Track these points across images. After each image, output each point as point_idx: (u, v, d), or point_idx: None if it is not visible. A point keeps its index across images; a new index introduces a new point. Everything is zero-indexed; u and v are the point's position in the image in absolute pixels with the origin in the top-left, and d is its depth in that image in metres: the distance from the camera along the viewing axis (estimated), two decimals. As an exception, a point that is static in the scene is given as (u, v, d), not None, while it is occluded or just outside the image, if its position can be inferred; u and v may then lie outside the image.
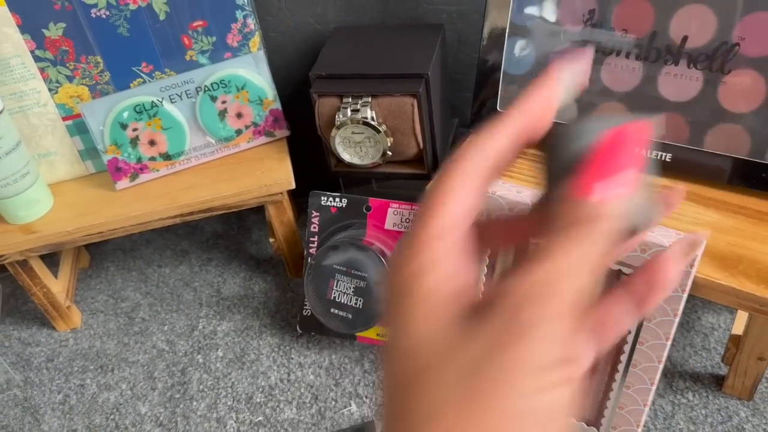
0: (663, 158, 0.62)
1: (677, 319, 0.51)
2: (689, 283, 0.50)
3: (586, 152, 0.23)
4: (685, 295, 0.50)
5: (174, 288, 0.85)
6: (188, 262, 0.89)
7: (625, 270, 0.52)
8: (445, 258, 0.24)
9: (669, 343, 0.52)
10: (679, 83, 0.60)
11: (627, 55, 0.61)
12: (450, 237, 0.24)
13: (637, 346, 0.53)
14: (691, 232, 0.53)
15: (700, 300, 0.73)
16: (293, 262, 0.81)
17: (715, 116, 0.59)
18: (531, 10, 0.64)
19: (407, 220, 0.69)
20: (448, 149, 0.80)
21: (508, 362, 0.20)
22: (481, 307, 0.22)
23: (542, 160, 0.25)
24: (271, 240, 0.84)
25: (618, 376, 0.55)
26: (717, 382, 0.64)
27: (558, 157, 0.23)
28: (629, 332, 0.53)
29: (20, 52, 0.67)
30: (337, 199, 0.72)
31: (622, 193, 0.22)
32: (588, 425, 0.58)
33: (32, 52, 0.67)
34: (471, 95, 0.83)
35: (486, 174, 0.25)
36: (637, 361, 0.54)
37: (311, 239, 0.73)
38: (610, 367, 0.56)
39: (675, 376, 0.65)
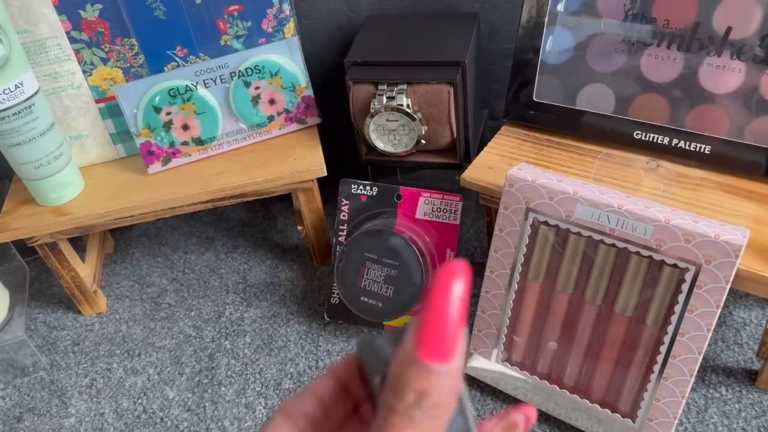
0: (702, 150, 0.62)
1: (719, 311, 0.51)
2: (732, 275, 0.50)
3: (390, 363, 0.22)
4: (728, 287, 0.50)
5: (200, 274, 0.85)
6: (214, 249, 0.89)
7: (668, 260, 0.52)
8: None
9: (710, 334, 0.52)
10: (721, 75, 0.59)
11: (668, 46, 0.61)
12: None
13: (678, 337, 0.53)
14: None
15: (731, 295, 0.72)
16: (320, 251, 0.81)
17: (756, 108, 0.59)
18: (571, -1, 0.64)
19: (438, 210, 0.69)
20: (479, 140, 0.80)
21: None
22: None
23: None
24: (299, 228, 0.84)
25: (656, 368, 0.55)
26: (750, 377, 0.64)
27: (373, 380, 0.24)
28: (669, 323, 0.53)
29: (56, 33, 0.67)
30: (368, 188, 0.71)
31: (460, 351, 0.21)
32: (623, 417, 0.58)
33: (68, 33, 0.67)
34: (501, 87, 0.83)
35: (305, 417, 0.25)
36: (676, 353, 0.53)
37: (340, 227, 0.73)
38: (648, 359, 0.55)
39: (707, 370, 0.65)
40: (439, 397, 0.20)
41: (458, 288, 0.20)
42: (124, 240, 0.93)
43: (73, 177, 0.71)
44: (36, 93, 0.65)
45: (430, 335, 0.20)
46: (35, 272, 0.89)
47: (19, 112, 0.64)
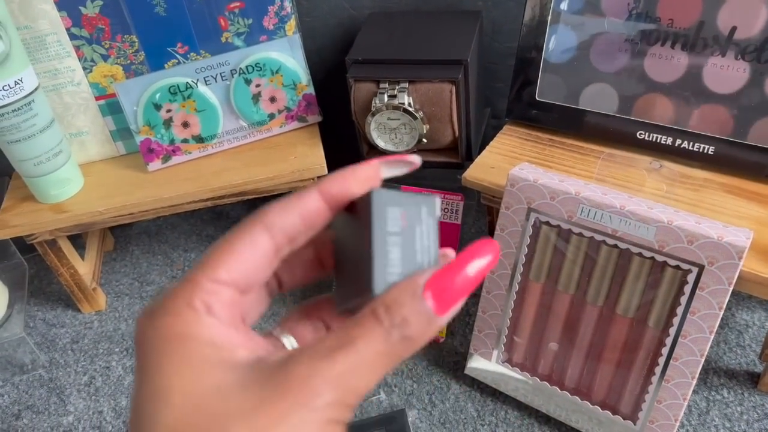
0: (705, 151, 0.61)
1: (722, 313, 0.51)
2: (735, 276, 0.49)
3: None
4: (731, 289, 0.50)
5: (200, 273, 0.85)
6: (214, 248, 0.88)
7: (671, 262, 0.51)
8: (217, 318, 0.24)
9: (712, 336, 0.51)
10: (725, 75, 0.59)
11: (672, 46, 0.60)
12: (224, 296, 0.24)
13: (680, 339, 0.53)
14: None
15: (734, 297, 0.72)
16: (320, 250, 0.81)
17: (760, 109, 0.58)
18: (574, -2, 0.63)
19: (440, 209, 0.69)
20: (481, 139, 0.80)
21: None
22: (266, 370, 0.22)
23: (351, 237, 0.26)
24: (299, 226, 0.83)
25: (658, 370, 0.54)
26: (752, 379, 0.64)
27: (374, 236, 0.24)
28: (671, 325, 0.53)
29: (56, 30, 0.67)
30: (369, 187, 0.71)
31: (452, 312, 0.23)
32: (624, 419, 0.57)
33: (68, 29, 0.67)
34: (503, 85, 0.82)
35: (285, 235, 0.25)
36: (678, 355, 0.53)
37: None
38: (649, 360, 0.55)
39: (709, 372, 0.65)
40: (416, 332, 0.22)
41: (480, 264, 0.24)
42: (124, 238, 0.93)
43: (73, 174, 0.71)
44: (36, 89, 0.65)
45: (441, 284, 0.23)
46: (34, 269, 0.89)
47: (18, 109, 0.63)
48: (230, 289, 0.24)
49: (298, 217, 0.25)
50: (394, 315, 0.22)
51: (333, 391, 0.21)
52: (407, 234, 0.24)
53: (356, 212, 0.25)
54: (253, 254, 0.25)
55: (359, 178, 0.26)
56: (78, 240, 0.87)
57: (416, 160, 0.28)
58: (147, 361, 0.23)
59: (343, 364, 0.22)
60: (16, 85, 0.63)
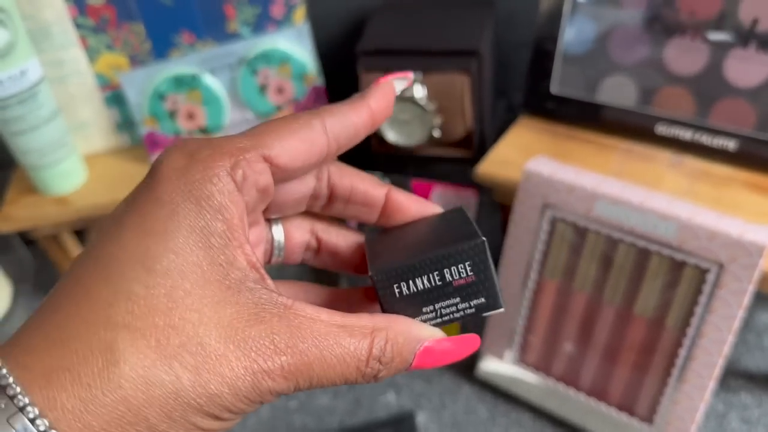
0: (727, 146, 0.59)
1: (741, 312, 0.49)
2: (754, 276, 0.47)
3: None
4: (751, 288, 0.48)
5: (206, 267, 0.83)
6: (220, 242, 0.87)
7: (690, 260, 0.50)
8: (244, 197, 0.23)
9: (731, 337, 0.50)
10: (747, 68, 0.57)
11: (692, 37, 0.59)
12: (262, 181, 0.24)
13: (697, 340, 0.51)
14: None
15: (755, 297, 0.70)
16: (329, 245, 0.79)
17: (784, 103, 0.56)
18: (591, -13, 0.61)
19: (451, 205, 0.67)
20: (495, 132, 0.78)
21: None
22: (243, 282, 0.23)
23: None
24: (307, 221, 0.82)
25: (675, 371, 0.53)
26: (772, 382, 0.62)
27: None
28: (689, 326, 0.51)
29: (62, 19, 0.66)
30: (378, 181, 0.69)
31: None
32: (641, 421, 0.56)
33: (74, 19, 0.66)
34: (519, 77, 0.80)
35: (337, 142, 0.25)
36: (696, 356, 0.51)
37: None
38: (666, 362, 0.53)
39: (727, 374, 0.63)
40: (384, 374, 0.24)
41: (459, 355, 0.28)
42: (131, 231, 0.92)
43: (77, 166, 0.70)
44: (41, 80, 0.64)
45: (431, 352, 0.26)
46: (40, 263, 0.88)
47: (23, 100, 0.62)
48: (269, 172, 0.24)
49: (352, 129, 0.26)
50: (386, 350, 0.24)
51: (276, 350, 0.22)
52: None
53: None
54: (311, 144, 0.24)
55: (389, 97, 0.27)
56: (82, 235, 0.86)
57: (411, 75, 0.30)
58: (159, 203, 0.23)
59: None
60: (21, 75, 0.62)
